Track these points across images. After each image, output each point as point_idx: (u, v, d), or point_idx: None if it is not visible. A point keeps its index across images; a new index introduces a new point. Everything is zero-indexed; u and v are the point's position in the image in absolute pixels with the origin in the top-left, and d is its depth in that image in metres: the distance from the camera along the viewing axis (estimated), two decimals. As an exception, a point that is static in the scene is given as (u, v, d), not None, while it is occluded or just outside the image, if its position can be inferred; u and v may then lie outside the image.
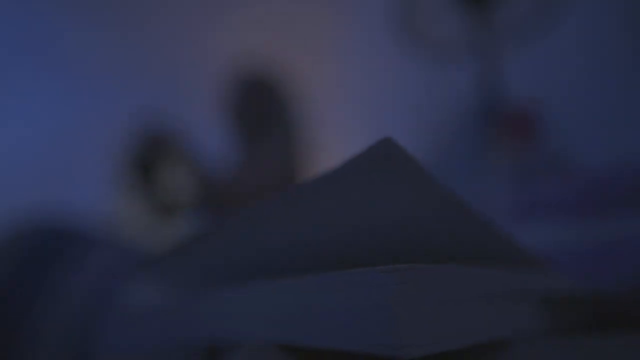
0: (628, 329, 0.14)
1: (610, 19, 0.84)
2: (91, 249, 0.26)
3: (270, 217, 0.11)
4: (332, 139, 2.07)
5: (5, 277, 0.23)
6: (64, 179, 1.68)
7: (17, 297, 0.23)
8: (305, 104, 1.96)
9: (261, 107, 0.75)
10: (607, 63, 0.85)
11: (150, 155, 0.77)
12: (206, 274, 0.16)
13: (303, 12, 2.03)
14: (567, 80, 0.93)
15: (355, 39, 1.92)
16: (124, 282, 0.25)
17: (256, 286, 0.12)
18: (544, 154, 0.77)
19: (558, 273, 0.15)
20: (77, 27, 1.75)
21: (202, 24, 1.94)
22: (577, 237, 0.31)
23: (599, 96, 0.86)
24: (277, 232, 0.11)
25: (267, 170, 0.71)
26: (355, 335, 0.08)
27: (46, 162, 1.66)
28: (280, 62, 2.02)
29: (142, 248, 0.28)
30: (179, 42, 1.92)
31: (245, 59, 0.82)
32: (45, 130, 1.68)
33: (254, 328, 0.12)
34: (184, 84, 1.93)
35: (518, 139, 0.77)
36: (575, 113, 0.89)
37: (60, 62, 1.73)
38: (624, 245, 0.29)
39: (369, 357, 0.11)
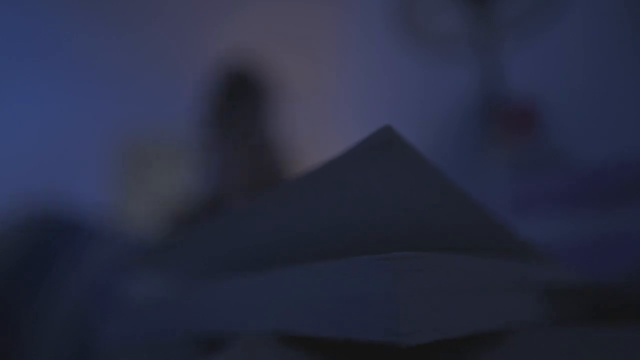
0: (628, 321, 0.14)
1: (610, 14, 0.84)
2: (92, 242, 0.26)
3: (271, 207, 0.11)
4: (332, 136, 2.06)
5: (7, 270, 0.23)
6: (65, 175, 1.68)
7: (19, 291, 0.23)
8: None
9: (243, 102, 0.76)
10: (607, 58, 0.84)
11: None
12: (207, 264, 0.16)
13: (303, 10, 2.03)
14: (566, 75, 0.92)
15: (355, 35, 1.91)
16: (124, 274, 0.25)
17: (256, 276, 0.12)
18: (543, 148, 0.77)
19: (559, 264, 0.15)
20: (82, 29, 1.74)
21: (203, 24, 1.93)
22: (577, 230, 0.31)
23: (598, 91, 0.85)
24: (277, 223, 0.11)
25: (249, 167, 0.72)
26: (356, 323, 0.08)
27: (49, 158, 1.66)
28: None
29: (142, 240, 0.28)
30: (181, 42, 1.91)
31: (231, 55, 0.83)
32: (48, 128, 1.68)
33: (254, 318, 0.12)
34: (185, 84, 1.93)
35: (518, 134, 0.77)
36: (575, 108, 0.89)
37: (65, 62, 1.73)
38: (623, 237, 0.29)
39: (369, 345, 0.11)
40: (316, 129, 2.14)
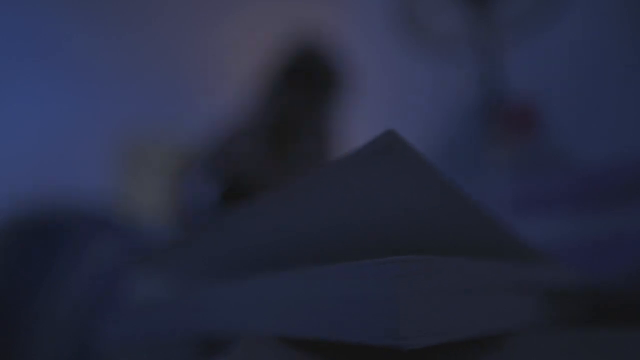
0: (628, 322, 0.14)
1: (610, 14, 0.84)
2: (92, 242, 0.26)
3: (274, 209, 0.11)
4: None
5: (7, 270, 0.23)
6: (65, 175, 1.68)
7: (19, 291, 0.23)
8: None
9: (316, 88, 0.70)
10: (607, 58, 0.84)
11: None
12: (208, 265, 0.16)
13: (303, 10, 2.03)
14: (567, 75, 0.92)
15: (355, 36, 1.91)
16: (124, 274, 0.25)
17: (258, 278, 0.12)
18: (544, 148, 0.77)
19: (559, 266, 0.15)
20: (82, 29, 1.74)
21: (203, 24, 1.93)
22: (577, 231, 0.31)
23: (598, 91, 0.85)
24: (280, 224, 0.11)
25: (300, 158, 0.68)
26: (357, 326, 0.08)
27: (49, 158, 1.66)
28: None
29: (142, 240, 0.28)
30: (181, 42, 1.91)
31: (307, 35, 0.77)
32: (48, 128, 1.68)
33: (255, 319, 0.12)
34: (185, 83, 1.93)
35: (518, 134, 0.77)
36: (576, 108, 0.89)
37: (65, 62, 1.73)
38: (623, 238, 0.29)
39: (370, 348, 0.11)
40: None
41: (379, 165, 0.08)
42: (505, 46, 1.07)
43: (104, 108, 1.78)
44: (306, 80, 0.71)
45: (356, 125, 1.85)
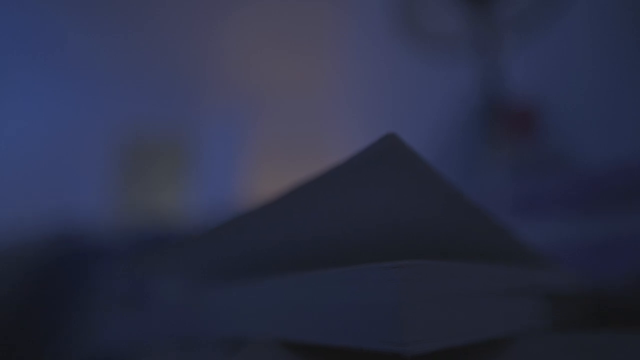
0: (628, 325, 0.14)
1: (613, 14, 0.84)
2: (93, 243, 0.26)
3: (276, 214, 0.11)
4: (332, 137, 2.06)
5: (18, 274, 0.23)
6: (66, 175, 1.68)
7: (31, 293, 0.23)
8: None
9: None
10: (609, 59, 0.84)
11: None
12: (213, 270, 0.16)
13: (303, 10, 2.03)
14: (568, 77, 0.92)
15: (355, 36, 1.91)
16: (127, 277, 0.25)
17: (261, 282, 0.12)
18: (544, 150, 0.77)
19: (560, 269, 0.15)
20: (82, 29, 1.74)
21: (204, 24, 1.93)
22: (578, 233, 0.31)
23: (600, 93, 0.85)
24: (282, 229, 0.11)
25: None
26: (360, 331, 0.08)
27: (49, 158, 1.66)
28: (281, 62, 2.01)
29: (144, 240, 0.28)
30: (180, 42, 1.91)
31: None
32: (49, 129, 1.68)
33: (258, 324, 0.12)
34: (186, 84, 1.93)
35: (519, 135, 0.77)
36: (576, 109, 0.89)
37: (65, 63, 1.73)
38: (623, 242, 0.29)
39: (373, 353, 0.11)
40: (316, 129, 2.14)
41: (380, 168, 0.08)
42: (505, 47, 1.07)
43: (104, 107, 1.78)
44: None
45: (356, 127, 1.85)
